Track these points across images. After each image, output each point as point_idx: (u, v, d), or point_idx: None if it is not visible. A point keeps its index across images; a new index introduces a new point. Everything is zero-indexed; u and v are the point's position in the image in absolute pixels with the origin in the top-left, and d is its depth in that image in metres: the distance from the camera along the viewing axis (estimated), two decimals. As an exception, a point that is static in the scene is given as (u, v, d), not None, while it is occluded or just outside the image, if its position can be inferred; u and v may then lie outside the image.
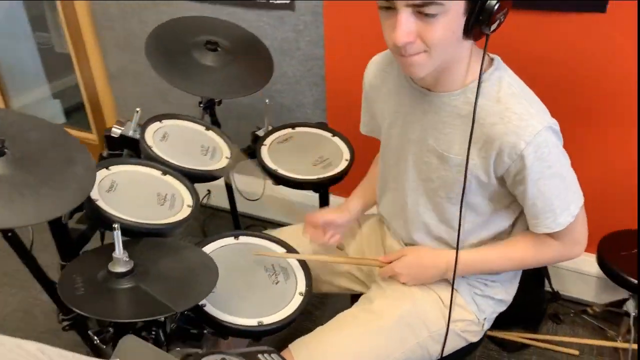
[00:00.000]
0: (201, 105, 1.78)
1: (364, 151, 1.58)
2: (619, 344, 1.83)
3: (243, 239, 1.38)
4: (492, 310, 1.26)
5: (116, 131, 1.47)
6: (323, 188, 1.62)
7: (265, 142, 1.68)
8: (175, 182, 1.36)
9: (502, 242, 1.17)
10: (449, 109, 1.10)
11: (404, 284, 1.23)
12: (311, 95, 2.13)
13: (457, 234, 1.16)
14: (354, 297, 1.45)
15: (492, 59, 1.08)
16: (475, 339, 1.27)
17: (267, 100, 1.72)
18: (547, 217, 1.07)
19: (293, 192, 1.60)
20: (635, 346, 1.78)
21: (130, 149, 1.51)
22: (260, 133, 1.75)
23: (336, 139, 1.74)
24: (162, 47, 1.59)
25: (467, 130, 1.06)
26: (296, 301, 1.20)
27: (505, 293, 1.26)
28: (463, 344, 1.26)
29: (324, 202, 1.70)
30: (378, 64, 1.28)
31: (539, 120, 1.01)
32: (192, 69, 1.58)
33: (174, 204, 1.28)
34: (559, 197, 1.05)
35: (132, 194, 1.27)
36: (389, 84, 1.24)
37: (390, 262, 1.23)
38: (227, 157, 1.54)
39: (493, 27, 0.97)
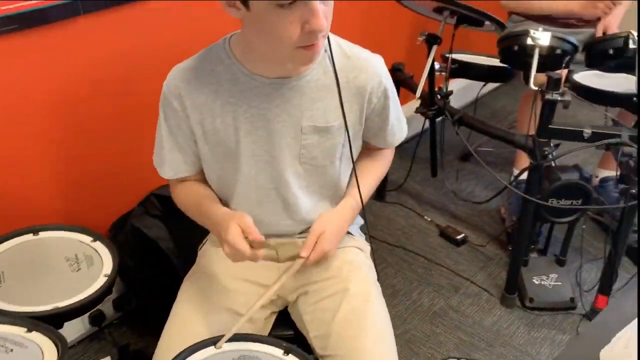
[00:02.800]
0: None
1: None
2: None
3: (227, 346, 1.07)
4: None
5: None
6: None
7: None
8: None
9: (368, 169, 1.30)
10: (312, 85, 1.13)
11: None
12: None
13: (341, 187, 1.26)
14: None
15: None
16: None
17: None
18: (401, 127, 1.29)
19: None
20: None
21: None
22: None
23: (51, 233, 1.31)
24: None
25: (336, 95, 1.12)
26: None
27: None
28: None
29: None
30: (195, 80, 1.11)
31: (374, 54, 1.18)
32: None
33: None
34: (399, 105, 1.27)
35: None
36: (224, 95, 1.12)
37: (314, 248, 1.15)
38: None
39: None
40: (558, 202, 1.85)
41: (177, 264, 1.78)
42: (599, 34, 2.13)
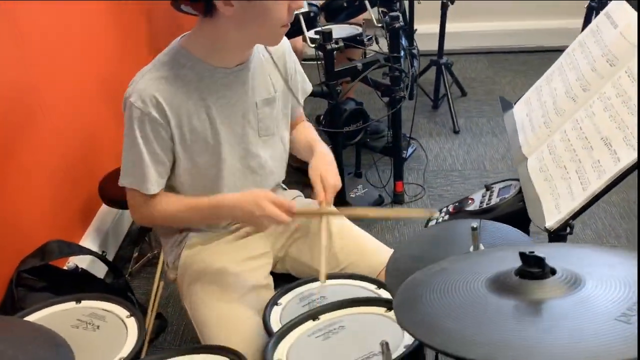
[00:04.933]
0: None
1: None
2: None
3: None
4: None
5: None
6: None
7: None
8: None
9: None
10: (256, 64, 1.33)
11: None
12: None
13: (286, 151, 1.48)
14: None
15: None
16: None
17: None
18: (305, 77, 1.52)
19: None
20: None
21: None
22: None
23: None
24: None
25: (272, 68, 1.34)
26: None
27: None
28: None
29: None
30: (167, 86, 1.22)
31: None
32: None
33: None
34: None
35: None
36: (194, 94, 1.25)
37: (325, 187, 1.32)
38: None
39: None
40: (349, 128, 2.39)
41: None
42: None
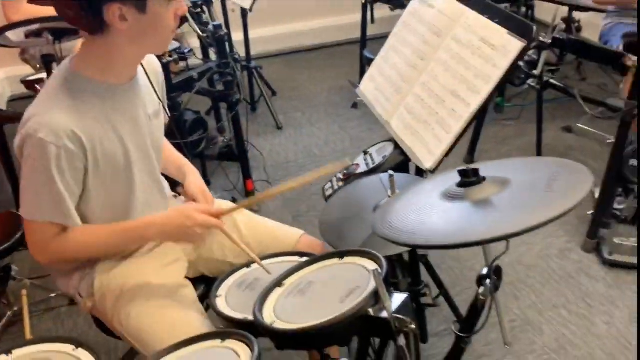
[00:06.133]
0: None
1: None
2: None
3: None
4: None
5: None
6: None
7: None
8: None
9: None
10: (141, 77, 1.34)
11: None
12: None
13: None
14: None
15: None
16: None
17: None
18: None
19: None
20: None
21: None
22: None
23: None
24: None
25: (148, 81, 1.38)
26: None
27: None
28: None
29: None
30: (77, 114, 1.19)
31: None
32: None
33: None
34: None
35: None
36: (100, 116, 1.24)
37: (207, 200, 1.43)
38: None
39: None
40: (192, 138, 2.45)
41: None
42: None
